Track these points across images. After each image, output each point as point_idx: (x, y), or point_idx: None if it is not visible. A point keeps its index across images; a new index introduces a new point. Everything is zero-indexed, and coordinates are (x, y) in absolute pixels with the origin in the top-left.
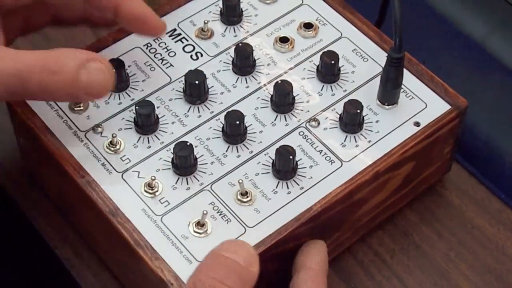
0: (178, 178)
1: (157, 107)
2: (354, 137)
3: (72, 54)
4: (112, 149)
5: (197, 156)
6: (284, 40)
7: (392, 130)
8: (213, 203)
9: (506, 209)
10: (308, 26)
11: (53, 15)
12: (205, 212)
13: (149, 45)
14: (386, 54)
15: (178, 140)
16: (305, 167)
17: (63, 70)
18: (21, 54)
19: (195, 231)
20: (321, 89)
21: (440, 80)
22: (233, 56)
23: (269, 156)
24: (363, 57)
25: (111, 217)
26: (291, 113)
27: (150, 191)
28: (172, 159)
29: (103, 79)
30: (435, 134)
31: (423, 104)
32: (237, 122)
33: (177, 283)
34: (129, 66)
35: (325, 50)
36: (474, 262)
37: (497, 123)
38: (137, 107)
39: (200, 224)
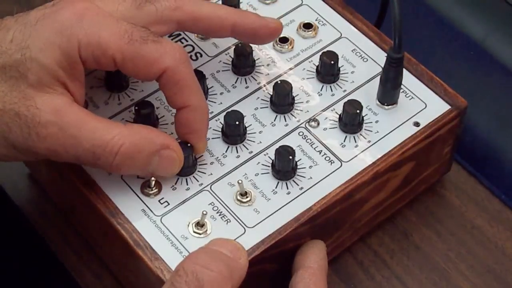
0: (178, 179)
1: (157, 108)
2: (354, 137)
3: (149, 140)
4: None
5: (197, 157)
6: (283, 40)
7: (392, 130)
8: (212, 204)
9: (506, 209)
10: (307, 26)
11: None
12: (204, 212)
13: None
14: (386, 54)
15: (178, 141)
16: (304, 167)
17: (137, 157)
18: (99, 129)
19: (194, 232)
20: (321, 89)
21: (440, 80)
22: (232, 56)
23: (269, 157)
24: (363, 57)
25: (111, 218)
26: (291, 113)
27: (150, 191)
28: None
29: (171, 167)
30: (434, 134)
31: (423, 104)
32: (237, 123)
33: None
34: None
35: (325, 50)
36: (474, 262)
37: (497, 123)
38: (136, 108)
39: (199, 225)
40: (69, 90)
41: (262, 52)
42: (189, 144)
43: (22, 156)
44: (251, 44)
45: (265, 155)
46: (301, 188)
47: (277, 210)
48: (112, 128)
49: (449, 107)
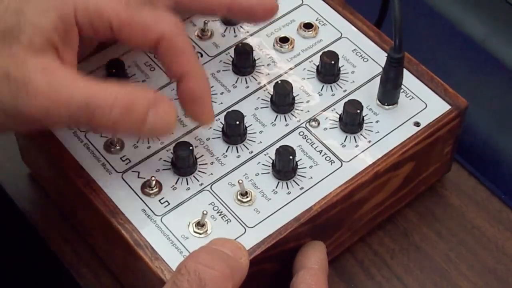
0: (178, 179)
1: None
2: (354, 137)
3: (142, 92)
4: (112, 149)
5: (197, 157)
6: (284, 40)
7: (392, 130)
8: (213, 203)
9: (506, 209)
10: (308, 26)
11: None
12: (205, 212)
13: None
14: (386, 54)
15: (178, 141)
16: (305, 167)
17: (134, 109)
18: (91, 85)
19: (195, 231)
20: (321, 89)
21: (440, 80)
22: (233, 56)
23: (269, 156)
24: (363, 57)
25: (111, 218)
26: (291, 113)
27: (150, 191)
28: (172, 159)
29: (169, 121)
30: (435, 134)
31: (423, 104)
32: (237, 122)
33: None
34: (129, 67)
35: (325, 50)
36: (474, 262)
37: (497, 123)
38: None
39: (200, 224)
40: (60, 56)
41: (263, 52)
42: (190, 147)
43: (11, 122)
44: (250, 43)
45: (265, 155)
46: (302, 188)
47: (277, 210)
48: (104, 83)
49: (449, 107)
